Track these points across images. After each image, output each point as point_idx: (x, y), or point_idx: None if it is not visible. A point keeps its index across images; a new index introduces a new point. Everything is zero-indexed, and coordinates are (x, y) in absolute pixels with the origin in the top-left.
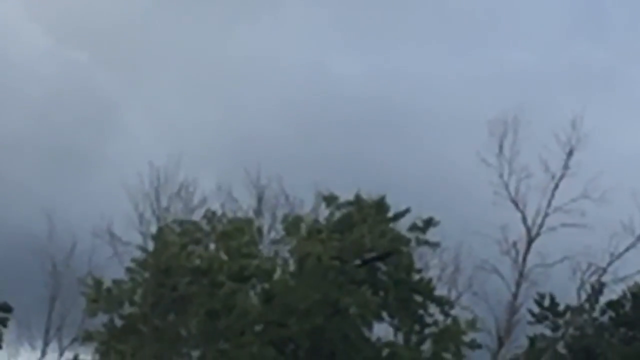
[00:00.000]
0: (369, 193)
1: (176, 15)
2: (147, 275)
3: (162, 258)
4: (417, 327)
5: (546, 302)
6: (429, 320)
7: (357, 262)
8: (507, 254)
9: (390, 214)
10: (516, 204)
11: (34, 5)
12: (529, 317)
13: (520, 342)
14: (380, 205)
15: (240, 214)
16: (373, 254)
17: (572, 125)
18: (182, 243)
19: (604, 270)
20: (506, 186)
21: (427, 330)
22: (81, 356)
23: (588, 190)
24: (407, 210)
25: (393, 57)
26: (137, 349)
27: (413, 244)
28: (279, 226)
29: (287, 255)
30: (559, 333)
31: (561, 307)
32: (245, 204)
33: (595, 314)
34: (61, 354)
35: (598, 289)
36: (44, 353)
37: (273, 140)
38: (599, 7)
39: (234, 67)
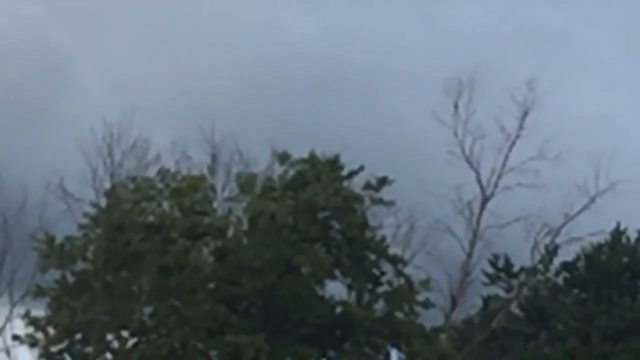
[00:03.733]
0: (324, 151)
1: None
2: (99, 231)
3: (114, 214)
4: (370, 286)
5: (500, 263)
6: (382, 279)
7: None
8: (461, 213)
9: (344, 172)
10: (471, 164)
11: None
12: (483, 278)
13: (473, 302)
14: (334, 163)
15: (194, 171)
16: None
17: (528, 86)
18: (135, 200)
19: (558, 231)
20: (461, 146)
21: (380, 289)
22: (32, 311)
23: (543, 151)
24: (361, 169)
25: (349, 16)
26: (88, 305)
27: (367, 202)
28: (233, 184)
29: (240, 213)
30: (513, 294)
31: (515, 268)
32: (200, 161)
33: (549, 275)
34: (12, 309)
35: (552, 250)
36: None
37: (228, 97)
38: None
39: (189, 23)
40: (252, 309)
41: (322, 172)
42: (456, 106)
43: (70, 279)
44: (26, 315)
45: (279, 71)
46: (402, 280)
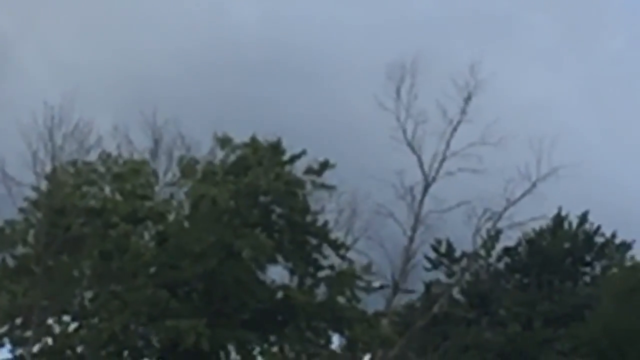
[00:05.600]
0: (266, 136)
1: None
2: (40, 215)
3: (55, 198)
4: (311, 271)
5: (442, 248)
6: (324, 263)
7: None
8: (403, 198)
9: (286, 157)
10: (413, 149)
11: None
12: (425, 263)
13: (415, 287)
14: (276, 147)
15: (136, 156)
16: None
17: (470, 71)
18: (76, 184)
19: (500, 216)
20: (403, 131)
21: (321, 274)
22: None
23: (485, 136)
24: (302, 153)
25: (290, 1)
26: (29, 289)
27: (309, 187)
28: (175, 168)
29: (182, 197)
30: (455, 279)
31: (457, 253)
32: (142, 146)
33: (491, 260)
34: None
35: (494, 235)
36: None
37: (170, 81)
38: None
39: (132, 7)
40: (193, 293)
41: (264, 156)
42: (398, 91)
43: (11, 263)
44: None
45: (220, 56)
46: (344, 265)
